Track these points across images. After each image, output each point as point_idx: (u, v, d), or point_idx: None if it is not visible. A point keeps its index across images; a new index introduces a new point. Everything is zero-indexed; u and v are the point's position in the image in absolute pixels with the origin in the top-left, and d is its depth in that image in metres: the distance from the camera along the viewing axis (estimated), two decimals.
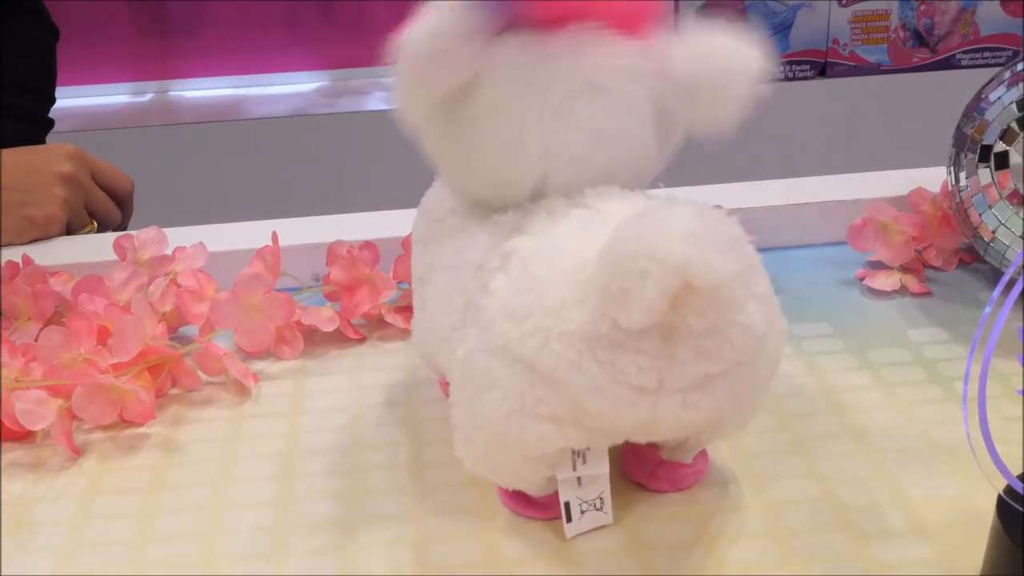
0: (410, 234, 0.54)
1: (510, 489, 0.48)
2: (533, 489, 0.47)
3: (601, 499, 0.47)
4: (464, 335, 0.45)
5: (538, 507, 0.48)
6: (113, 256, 0.67)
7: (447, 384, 0.47)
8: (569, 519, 0.47)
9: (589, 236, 0.42)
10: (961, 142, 0.64)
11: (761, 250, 0.74)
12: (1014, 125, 0.61)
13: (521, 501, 0.48)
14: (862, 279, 0.69)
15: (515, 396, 0.41)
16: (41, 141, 1.00)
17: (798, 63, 1.81)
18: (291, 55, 1.93)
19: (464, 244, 0.47)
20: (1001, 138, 0.61)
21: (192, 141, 1.76)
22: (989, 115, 0.62)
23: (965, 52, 1.84)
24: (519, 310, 0.41)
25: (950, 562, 0.45)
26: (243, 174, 1.79)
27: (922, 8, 1.80)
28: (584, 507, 0.47)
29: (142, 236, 0.67)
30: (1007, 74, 0.63)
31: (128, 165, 0.88)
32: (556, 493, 0.46)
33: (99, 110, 1.85)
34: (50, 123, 1.01)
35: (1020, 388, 0.38)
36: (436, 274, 0.49)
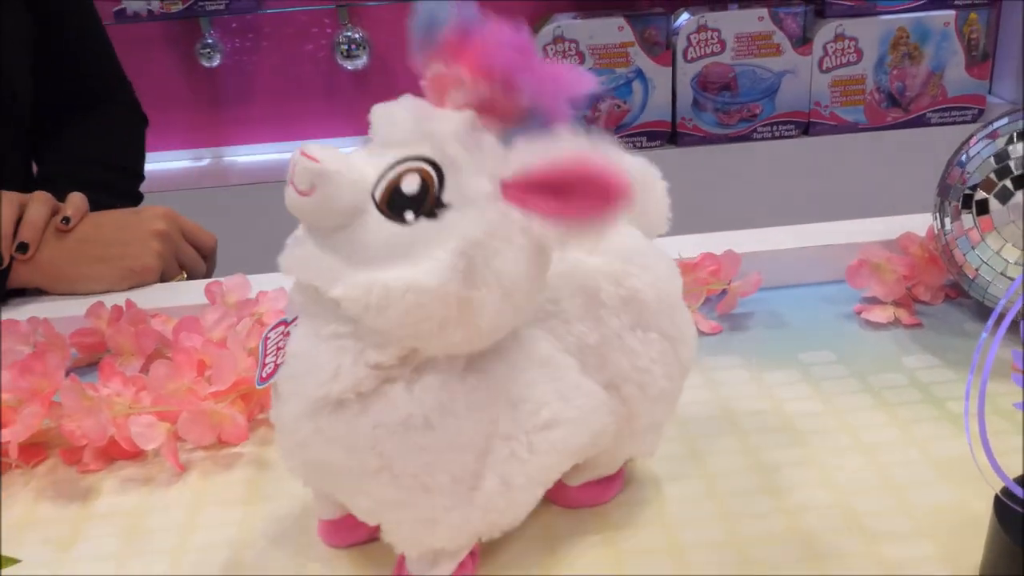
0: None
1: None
2: None
3: None
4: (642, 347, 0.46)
5: (617, 479, 0.52)
6: (203, 300, 0.70)
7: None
8: None
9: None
10: (945, 191, 0.66)
11: (768, 288, 0.75)
12: (992, 176, 0.63)
13: (599, 489, 0.51)
14: (859, 313, 0.71)
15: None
16: None
17: (784, 123, 1.83)
18: (329, 122, 1.97)
19: (533, 346, 0.44)
20: (981, 187, 0.64)
21: (244, 200, 1.79)
22: (970, 167, 0.64)
23: (934, 111, 1.86)
24: (673, 265, 0.49)
25: (952, 559, 0.46)
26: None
27: (895, 73, 1.83)
28: None
29: (229, 282, 0.70)
30: (983, 132, 0.66)
31: (199, 221, 0.91)
32: None
33: (163, 174, 1.89)
34: (140, 197, 1.05)
35: (1016, 403, 0.40)
36: (523, 389, 0.43)
